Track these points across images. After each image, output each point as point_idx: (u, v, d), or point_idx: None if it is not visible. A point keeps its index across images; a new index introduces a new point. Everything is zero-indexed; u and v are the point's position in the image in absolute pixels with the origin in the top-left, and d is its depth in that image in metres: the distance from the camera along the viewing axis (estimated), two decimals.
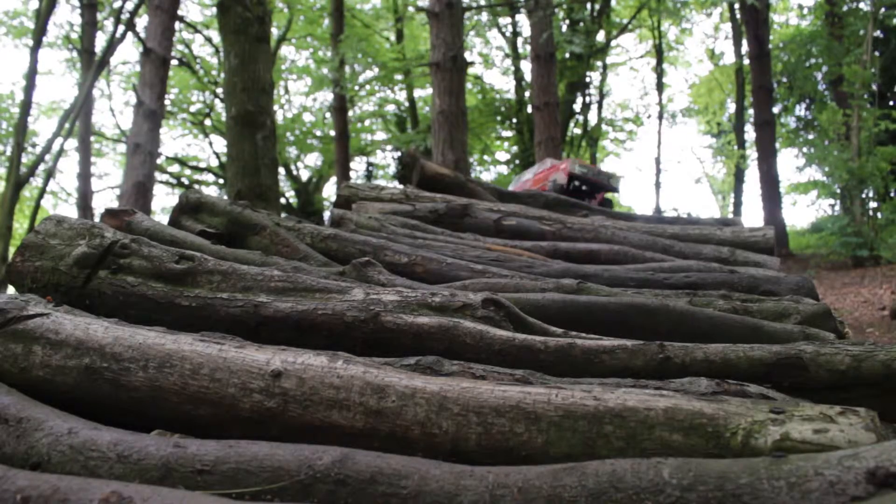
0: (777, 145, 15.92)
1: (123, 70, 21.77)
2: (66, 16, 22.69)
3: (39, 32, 12.55)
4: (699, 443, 1.41)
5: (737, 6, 18.14)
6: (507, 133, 22.52)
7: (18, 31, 19.70)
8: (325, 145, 22.96)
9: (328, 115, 22.13)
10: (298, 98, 25.66)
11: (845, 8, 14.22)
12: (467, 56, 15.03)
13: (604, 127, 22.88)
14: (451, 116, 10.13)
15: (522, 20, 19.52)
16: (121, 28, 12.60)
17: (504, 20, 20.30)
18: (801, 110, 17.33)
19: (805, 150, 14.92)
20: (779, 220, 14.77)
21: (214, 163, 23.20)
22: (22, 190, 13.02)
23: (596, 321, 2.56)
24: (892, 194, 13.65)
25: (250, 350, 1.74)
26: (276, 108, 19.41)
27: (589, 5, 18.34)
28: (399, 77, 20.40)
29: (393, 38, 21.59)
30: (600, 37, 19.52)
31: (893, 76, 13.89)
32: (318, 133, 23.87)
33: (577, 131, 21.56)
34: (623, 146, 28.60)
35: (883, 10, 12.99)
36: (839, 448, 1.28)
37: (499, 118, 21.65)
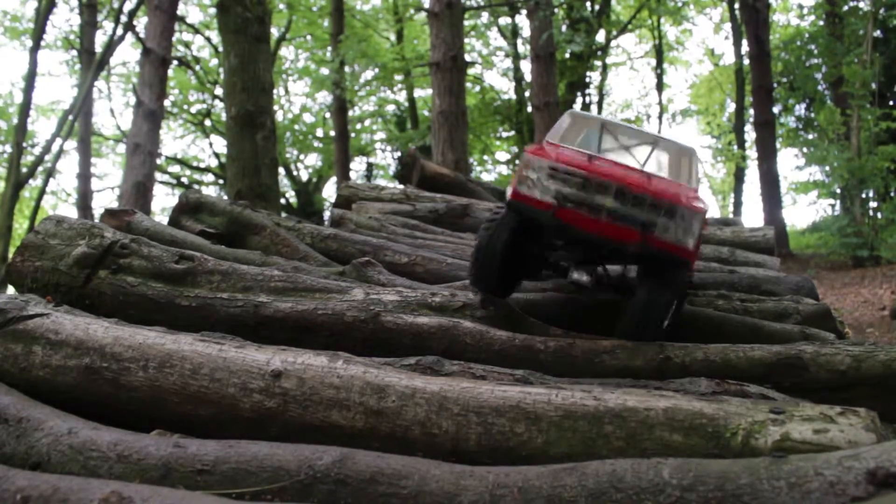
0: (777, 145, 15.89)
1: (123, 70, 21.76)
2: (66, 16, 22.69)
3: (39, 33, 12.56)
4: (699, 443, 1.41)
5: (737, 6, 18.13)
6: (507, 133, 22.49)
7: (18, 33, 19.68)
8: (325, 145, 22.93)
9: (328, 115, 22.10)
10: (298, 98, 25.64)
11: (845, 8, 14.18)
12: (467, 56, 15.01)
13: None
14: (451, 116, 10.12)
15: (522, 20, 19.51)
16: (120, 28, 12.60)
17: (504, 20, 20.28)
18: (800, 110, 17.29)
19: (805, 149, 14.89)
20: (779, 220, 14.73)
21: (214, 163, 23.18)
22: (22, 190, 13.02)
23: (596, 321, 2.56)
24: (892, 194, 13.64)
25: (250, 350, 1.74)
26: (276, 108, 19.40)
27: (589, 5, 18.32)
28: (399, 77, 20.37)
29: (393, 38, 21.57)
30: (600, 37, 19.51)
31: (893, 76, 13.88)
32: (319, 133, 23.85)
33: None
34: None
35: (883, 10, 12.97)
36: (839, 448, 1.28)
37: (499, 118, 21.61)
